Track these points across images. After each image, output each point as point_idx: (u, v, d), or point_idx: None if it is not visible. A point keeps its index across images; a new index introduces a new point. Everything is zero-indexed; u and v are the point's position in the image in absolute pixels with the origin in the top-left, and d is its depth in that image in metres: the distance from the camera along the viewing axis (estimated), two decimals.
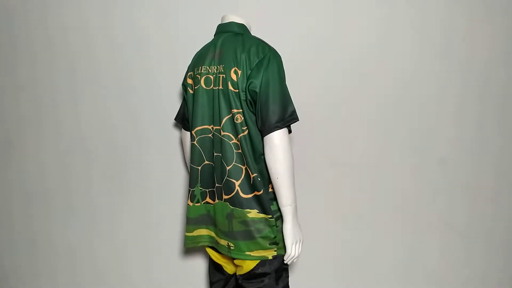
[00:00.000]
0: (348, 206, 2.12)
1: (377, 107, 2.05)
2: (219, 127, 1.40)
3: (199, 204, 1.50)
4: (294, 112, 1.33)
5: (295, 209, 1.35)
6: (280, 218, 1.40)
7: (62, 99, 2.13)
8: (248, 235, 1.37)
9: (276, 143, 1.29)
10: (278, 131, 1.30)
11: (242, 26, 1.47)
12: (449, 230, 2.14)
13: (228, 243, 1.42)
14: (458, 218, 2.13)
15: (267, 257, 1.38)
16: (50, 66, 2.11)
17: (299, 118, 1.40)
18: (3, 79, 2.15)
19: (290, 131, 1.38)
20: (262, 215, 1.37)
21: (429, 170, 2.09)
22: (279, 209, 1.39)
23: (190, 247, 1.70)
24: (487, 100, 2.06)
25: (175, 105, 2.06)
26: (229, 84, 1.36)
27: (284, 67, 1.97)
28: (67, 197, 2.19)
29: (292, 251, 1.34)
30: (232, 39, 1.43)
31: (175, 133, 2.09)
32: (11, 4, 2.09)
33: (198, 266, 2.19)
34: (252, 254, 1.38)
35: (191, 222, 1.52)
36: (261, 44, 1.39)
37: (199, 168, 1.48)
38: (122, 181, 2.14)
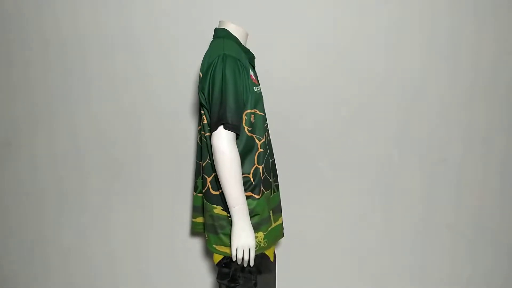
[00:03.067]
0: (348, 206, 2.13)
1: (378, 107, 2.06)
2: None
3: (201, 194, 1.59)
4: (224, 114, 1.30)
5: (242, 212, 1.33)
6: None
7: (56, 100, 2.14)
8: (214, 229, 1.44)
9: (213, 144, 1.31)
10: (214, 132, 1.32)
11: (223, 31, 1.49)
12: (452, 230, 2.15)
13: (205, 233, 1.52)
14: (461, 219, 2.14)
15: (230, 254, 1.41)
16: (45, 67, 2.13)
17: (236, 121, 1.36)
18: None
19: (237, 133, 1.35)
20: (224, 213, 1.41)
21: (432, 170, 2.11)
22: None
23: (195, 232, 1.80)
24: (492, 100, 2.07)
25: (170, 103, 2.08)
26: (198, 88, 1.44)
27: (283, 68, 1.99)
28: (61, 198, 2.21)
29: (238, 254, 1.34)
30: (211, 44, 1.48)
31: (170, 132, 2.11)
32: (5, 5, 2.10)
33: (195, 268, 2.22)
34: (217, 248, 1.44)
35: (195, 210, 1.64)
36: (218, 48, 1.41)
37: (201, 162, 1.56)
38: (117, 181, 2.17)
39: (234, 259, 1.35)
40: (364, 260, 2.17)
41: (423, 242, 2.15)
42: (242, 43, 1.50)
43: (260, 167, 1.43)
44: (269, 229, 1.46)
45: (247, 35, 1.54)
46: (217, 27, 1.53)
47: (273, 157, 1.56)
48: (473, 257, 2.17)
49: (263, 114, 1.46)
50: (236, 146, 1.33)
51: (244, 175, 1.39)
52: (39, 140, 2.19)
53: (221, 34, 1.48)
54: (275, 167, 1.59)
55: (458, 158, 2.10)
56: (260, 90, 1.47)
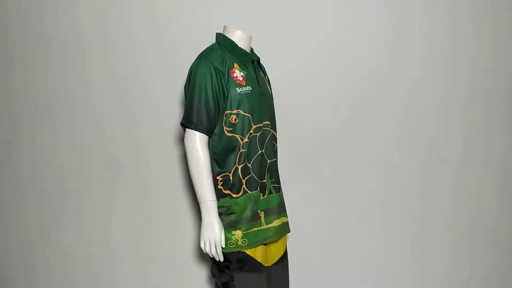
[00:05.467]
0: (349, 206, 2.13)
1: (378, 107, 2.07)
2: None
3: None
4: (190, 114, 1.40)
5: (207, 209, 1.39)
6: (221, 214, 1.44)
7: (56, 100, 2.15)
8: None
9: (184, 142, 1.42)
10: (185, 132, 1.42)
11: (218, 35, 1.54)
12: (451, 230, 2.15)
13: None
14: (461, 219, 2.14)
15: None
16: (45, 67, 2.13)
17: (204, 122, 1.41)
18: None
19: (205, 134, 1.40)
20: None
21: (432, 170, 2.10)
22: (222, 206, 1.43)
23: None
24: (492, 100, 2.07)
25: (171, 106, 2.09)
26: None
27: (283, 68, 1.99)
28: (62, 198, 2.21)
29: (206, 247, 1.40)
30: None
31: (170, 132, 2.11)
32: (6, 6, 2.11)
33: (195, 267, 2.22)
34: None
35: None
36: (200, 54, 1.48)
37: None
38: (118, 181, 2.17)
39: (204, 251, 1.42)
40: (364, 260, 2.17)
41: (423, 242, 2.15)
42: (241, 46, 1.50)
43: (240, 167, 1.43)
44: (254, 229, 1.45)
45: (248, 37, 1.53)
46: (216, 32, 1.56)
47: (274, 158, 1.55)
48: (473, 257, 2.17)
49: (249, 115, 1.44)
50: (203, 146, 1.40)
51: (224, 174, 1.43)
52: (39, 140, 2.19)
53: (217, 39, 1.54)
54: (276, 167, 1.57)
55: (458, 158, 2.10)
56: (248, 90, 1.45)
